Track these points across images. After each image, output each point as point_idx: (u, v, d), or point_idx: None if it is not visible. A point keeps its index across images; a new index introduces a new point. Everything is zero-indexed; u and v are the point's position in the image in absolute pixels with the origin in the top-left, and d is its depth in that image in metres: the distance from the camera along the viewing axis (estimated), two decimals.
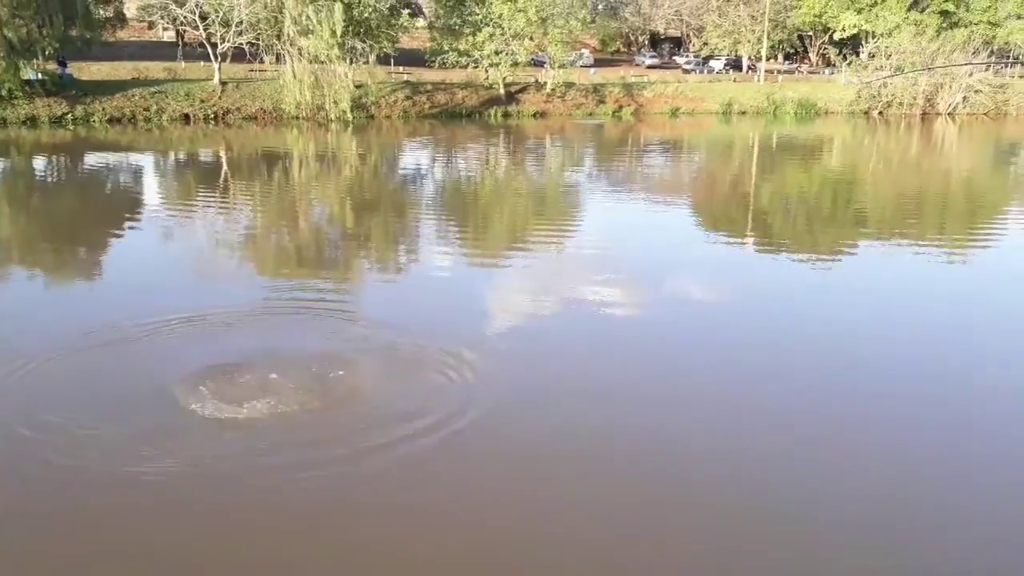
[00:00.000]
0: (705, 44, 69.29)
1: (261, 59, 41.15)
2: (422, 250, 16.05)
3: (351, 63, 41.89)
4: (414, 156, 32.63)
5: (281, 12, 39.56)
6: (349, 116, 40.59)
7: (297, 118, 39.92)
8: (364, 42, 42.67)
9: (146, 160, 29.34)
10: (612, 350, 9.94)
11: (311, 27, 39.16)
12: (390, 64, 49.27)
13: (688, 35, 76.04)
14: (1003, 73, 63.62)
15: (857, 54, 59.68)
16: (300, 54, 39.55)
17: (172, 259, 14.88)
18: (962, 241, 17.82)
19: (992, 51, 64.65)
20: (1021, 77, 68.03)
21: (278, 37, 40.18)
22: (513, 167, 29.43)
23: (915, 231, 18.53)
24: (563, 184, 26.07)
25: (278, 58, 40.53)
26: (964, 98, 53.89)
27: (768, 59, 63.78)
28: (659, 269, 14.37)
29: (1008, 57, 68.66)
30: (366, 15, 42.32)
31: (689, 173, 29.96)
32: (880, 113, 52.81)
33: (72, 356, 9.12)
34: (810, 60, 76.09)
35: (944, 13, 66.91)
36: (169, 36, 59.40)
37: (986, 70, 56.49)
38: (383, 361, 9.08)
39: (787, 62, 76.93)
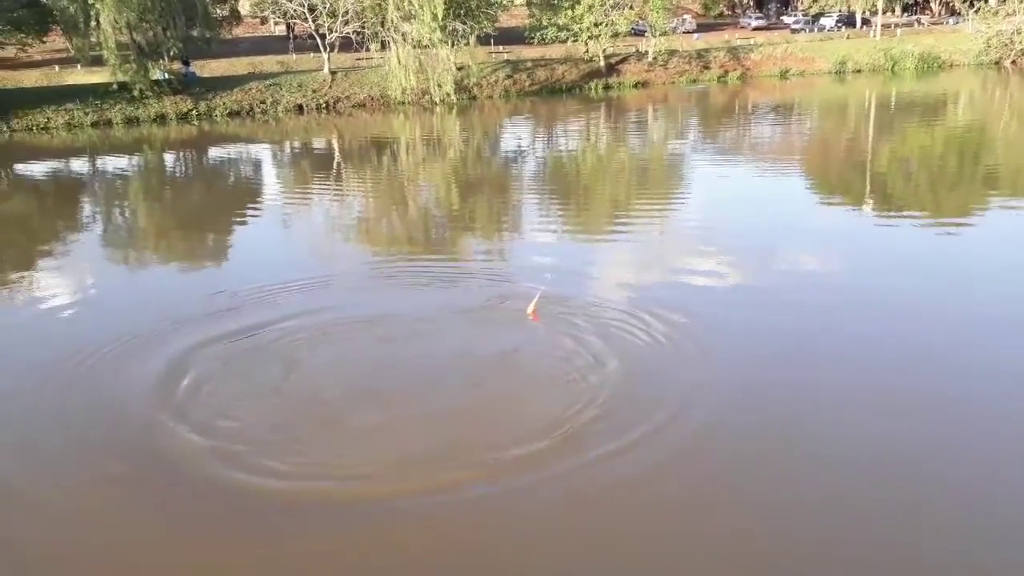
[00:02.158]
0: (815, 1, 65.99)
1: (367, 47, 42.29)
2: (535, 226, 16.32)
3: (452, 46, 42.42)
4: (516, 134, 32.90)
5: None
6: (453, 98, 41.21)
7: (403, 103, 40.90)
8: (464, 23, 43.08)
9: (265, 151, 30.96)
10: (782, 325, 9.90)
11: (413, 12, 39.88)
12: (490, 44, 49.53)
13: None
14: None
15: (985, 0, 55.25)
16: (404, 39, 40.39)
17: (298, 239, 15.81)
18: None
19: None
20: None
21: (382, 24, 41.16)
22: (615, 140, 29.22)
23: None
24: (669, 155, 25.70)
25: (383, 45, 41.54)
26: None
27: (884, 12, 59.99)
28: (787, 240, 14.04)
29: None
30: None
31: (806, 137, 28.83)
32: (1013, 62, 48.83)
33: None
34: (931, 10, 71.17)
35: None
36: (280, 30, 61.99)
37: None
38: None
39: (905, 14, 72.20)
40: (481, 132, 34.27)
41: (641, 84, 46.61)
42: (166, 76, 39.07)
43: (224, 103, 39.11)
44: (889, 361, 8.80)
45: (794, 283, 11.71)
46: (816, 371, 8.65)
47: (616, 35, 46.33)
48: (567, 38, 46.70)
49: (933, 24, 65.00)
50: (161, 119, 37.39)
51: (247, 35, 61.36)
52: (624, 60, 48.42)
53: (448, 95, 40.77)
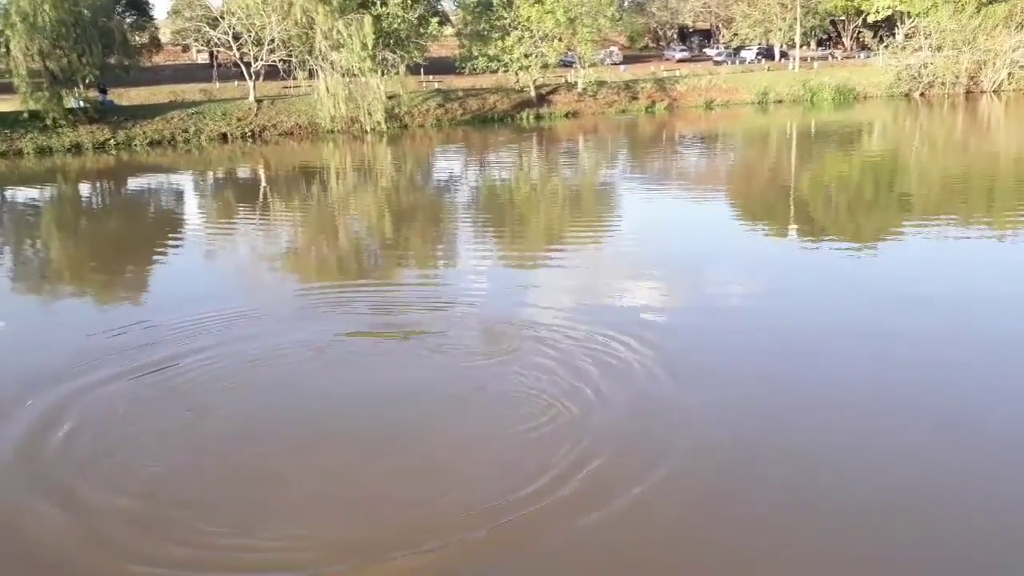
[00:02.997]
0: (735, 35, 68.44)
1: (294, 75, 41.69)
2: (462, 254, 16.06)
3: (383, 74, 42.21)
4: (449, 163, 32.76)
5: (312, 28, 40.05)
6: (384, 127, 40.91)
7: (332, 132, 40.34)
8: (395, 53, 42.97)
9: (187, 181, 29.95)
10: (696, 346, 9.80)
11: (342, 41, 39.59)
12: (420, 73, 49.55)
13: (717, 26, 75.18)
14: None
15: (893, 35, 58.29)
16: (332, 68, 39.99)
17: (217, 272, 15.13)
18: (1015, 222, 17.25)
19: None
20: None
21: (310, 52, 40.68)
22: (548, 169, 29.35)
23: (974, 213, 18.00)
24: (602, 183, 25.91)
25: (311, 73, 41.01)
26: (1010, 74, 52.27)
27: (800, 46, 62.67)
28: (717, 264, 14.16)
29: None
30: (395, 26, 42.65)
31: (732, 165, 29.53)
32: (922, 94, 51.52)
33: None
34: (844, 45, 74.61)
35: None
36: (203, 58, 60.66)
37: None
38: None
39: (820, 48, 75.54)
40: (413, 160, 34.01)
41: (572, 114, 47.24)
42: (81, 104, 37.59)
43: (144, 132, 37.80)
44: (818, 375, 8.84)
45: (728, 304, 11.75)
46: (756, 386, 8.59)
47: (546, 66, 46.95)
48: (498, 68, 47.09)
49: (846, 58, 68.14)
50: (76, 149, 35.84)
51: (169, 63, 59.80)
52: (555, 90, 49.06)
53: (379, 123, 40.45)
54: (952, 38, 52.02)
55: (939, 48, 52.23)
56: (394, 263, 15.69)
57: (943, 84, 51.67)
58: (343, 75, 40.00)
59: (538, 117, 46.37)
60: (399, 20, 42.35)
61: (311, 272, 15.13)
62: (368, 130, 40.26)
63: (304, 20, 39.84)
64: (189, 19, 44.21)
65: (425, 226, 19.54)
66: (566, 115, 47.04)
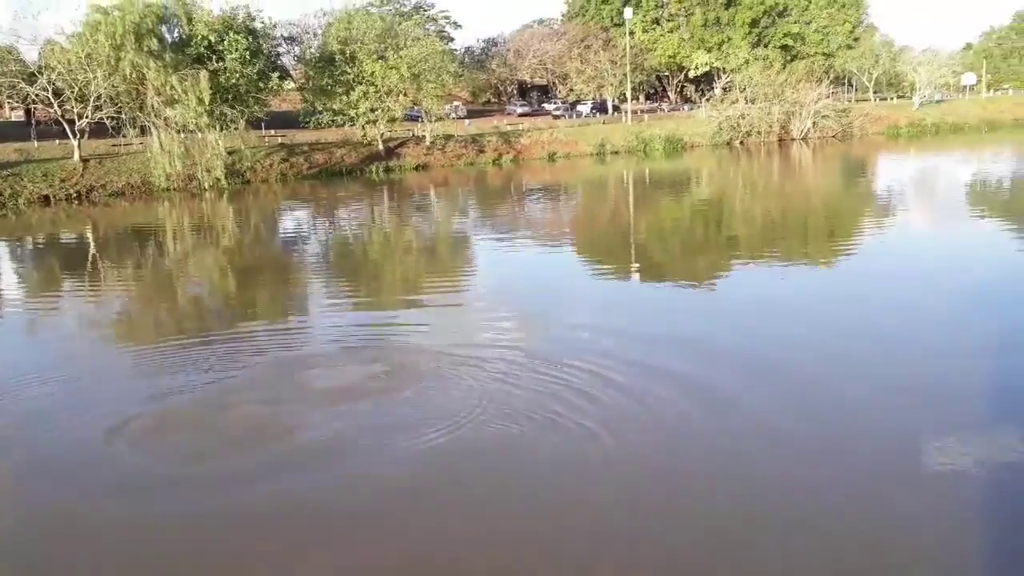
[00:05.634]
0: (571, 90, 72.23)
1: (124, 133, 39.57)
2: (314, 309, 15.64)
3: (222, 130, 40.96)
4: (296, 218, 32.01)
5: (143, 84, 38.32)
6: (224, 183, 39.52)
7: (168, 190, 38.47)
8: (234, 108, 41.87)
9: (1, 248, 27.41)
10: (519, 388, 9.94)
11: (177, 97, 38.12)
12: (263, 128, 48.50)
13: (554, 82, 78.97)
14: (843, 98, 69.43)
15: (713, 89, 63.65)
16: (167, 124, 38.36)
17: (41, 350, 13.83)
18: (827, 253, 19.08)
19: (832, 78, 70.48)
20: (859, 100, 74.52)
21: (141, 109, 38.85)
22: (399, 221, 29.38)
23: (793, 249, 19.73)
24: (453, 233, 26.21)
25: (143, 130, 39.12)
26: (814, 123, 58.29)
27: (631, 100, 66.98)
28: (564, 306, 14.59)
29: (846, 83, 74.98)
30: (233, 81, 41.65)
31: (576, 213, 30.79)
32: (741, 143, 56.28)
33: None
34: (670, 98, 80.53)
35: (784, 48, 72.78)
36: (18, 116, 56.16)
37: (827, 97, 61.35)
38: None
39: (649, 102, 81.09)
40: (258, 217, 32.96)
41: (421, 167, 47.75)
42: None
43: None
44: (657, 407, 9.27)
45: (576, 343, 12.12)
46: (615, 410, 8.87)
47: (393, 120, 47.40)
48: (344, 122, 46.96)
49: (672, 111, 73.55)
50: None
51: None
52: (403, 144, 49.50)
53: (219, 180, 39.10)
54: (763, 91, 57.54)
55: (753, 101, 57.55)
56: (235, 321, 15.00)
57: (759, 133, 56.86)
58: (179, 131, 38.49)
59: (388, 170, 46.51)
60: (237, 75, 41.44)
61: (138, 338, 14.16)
62: (207, 187, 38.77)
63: (134, 76, 38.09)
64: (1, 75, 40.95)
65: (270, 283, 18.90)
66: (416, 168, 47.48)
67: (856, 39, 78.24)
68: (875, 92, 79.97)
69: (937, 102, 72.74)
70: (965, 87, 79.41)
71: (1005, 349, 10.93)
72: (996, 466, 7.68)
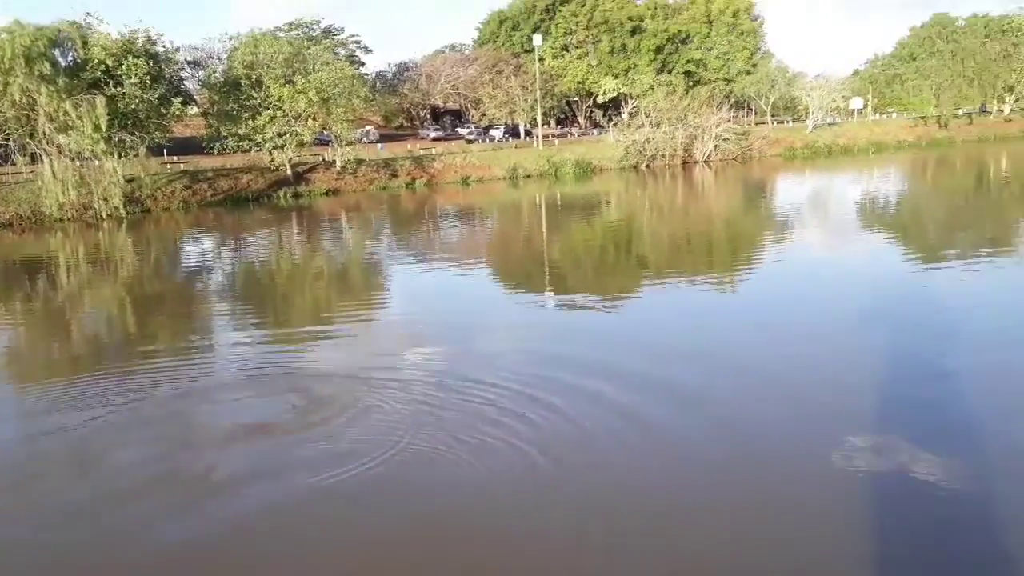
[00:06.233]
0: (484, 115, 72.98)
1: (12, 160, 37.50)
2: (219, 340, 15.08)
3: (120, 157, 39.36)
4: (201, 246, 30.94)
5: (33, 109, 36.45)
6: (122, 212, 37.89)
7: (62, 220, 36.59)
8: (133, 134, 40.32)
9: None
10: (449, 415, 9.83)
11: (71, 123, 36.42)
12: (164, 154, 46.88)
13: (466, 107, 79.56)
14: (743, 122, 72.64)
15: (620, 114, 65.43)
16: (60, 152, 36.57)
17: None
18: (732, 272, 19.79)
19: (732, 103, 73.67)
20: (758, 124, 78.08)
21: (31, 136, 36.92)
22: (309, 247, 28.80)
23: (699, 267, 20.35)
24: (367, 259, 25.87)
25: (33, 158, 37.16)
26: (715, 146, 60.58)
27: (543, 125, 68.12)
28: (484, 330, 14.56)
29: (745, 108, 78.49)
30: (132, 107, 40.15)
31: (491, 237, 30.91)
32: (647, 166, 57.92)
33: None
34: (579, 123, 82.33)
35: (687, 73, 75.66)
36: None
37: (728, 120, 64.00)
38: None
39: (559, 126, 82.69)
40: (159, 246, 31.68)
41: (332, 192, 47.06)
42: None
43: None
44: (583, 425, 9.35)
45: (496, 366, 12.11)
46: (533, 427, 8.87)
47: (302, 145, 46.65)
48: (250, 148, 45.89)
49: (581, 135, 75.15)
50: None
51: None
52: (312, 169, 48.72)
53: (117, 209, 37.49)
54: (668, 116, 59.51)
55: (658, 125, 59.42)
56: (133, 356, 14.30)
57: (664, 156, 58.67)
58: (73, 159, 36.73)
59: (297, 196, 45.64)
60: (137, 100, 39.98)
61: (23, 377, 13.33)
62: (104, 216, 37.10)
63: (24, 101, 36.20)
64: None
65: (172, 315, 18.15)
66: (326, 193, 46.77)
67: (754, 65, 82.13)
68: (772, 116, 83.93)
69: (829, 125, 76.90)
70: (854, 111, 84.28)
71: (895, 358, 11.55)
72: (890, 474, 8.07)
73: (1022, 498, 7.48)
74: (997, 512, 7.20)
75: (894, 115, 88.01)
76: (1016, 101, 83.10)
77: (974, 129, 77.75)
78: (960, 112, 79.95)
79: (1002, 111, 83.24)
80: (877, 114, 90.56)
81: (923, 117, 77.38)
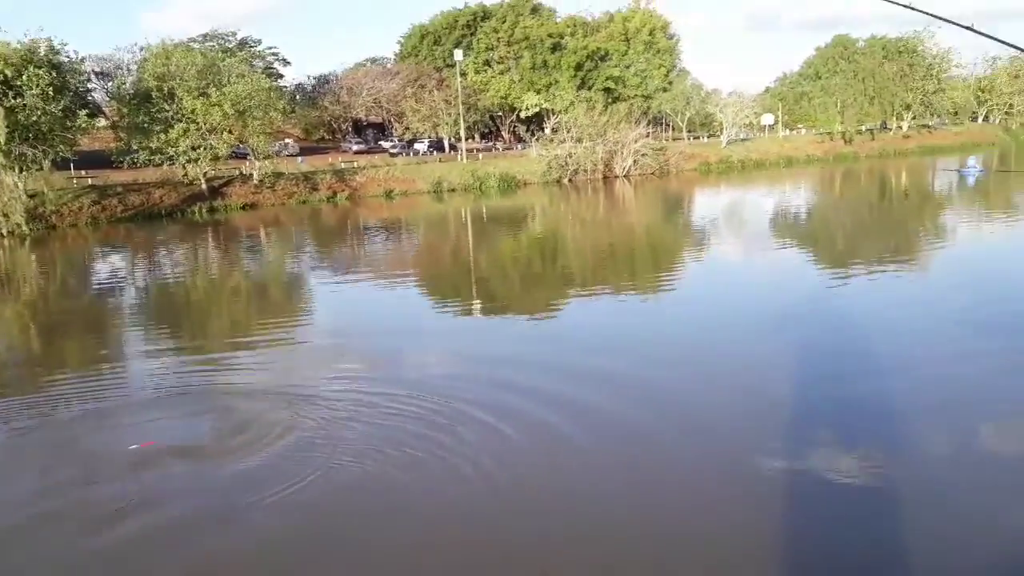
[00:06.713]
0: (407, 128, 72.56)
1: None
2: (130, 360, 14.40)
3: (22, 171, 37.41)
4: (110, 264, 29.58)
5: None
6: (25, 229, 35.97)
7: None
8: (36, 148, 38.37)
9: None
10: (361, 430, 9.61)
11: None
12: (71, 169, 44.76)
13: (390, 120, 78.96)
14: (660, 137, 74.49)
15: (543, 129, 66.12)
16: None
17: None
18: (653, 282, 20.18)
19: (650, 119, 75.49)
20: (675, 139, 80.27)
21: None
22: (225, 263, 27.93)
23: (621, 278, 20.66)
24: (287, 274, 25.24)
25: None
26: (634, 161, 61.85)
27: (467, 139, 68.24)
28: (411, 343, 14.35)
29: (663, 124, 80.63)
30: (35, 119, 38.18)
31: (417, 250, 30.65)
32: (570, 180, 58.68)
33: None
34: (503, 137, 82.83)
35: (607, 90, 77.14)
36: None
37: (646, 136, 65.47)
38: None
39: (484, 141, 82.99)
40: (65, 264, 30.15)
41: (250, 206, 45.87)
42: None
43: None
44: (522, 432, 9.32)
45: (423, 379, 11.97)
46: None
47: (217, 158, 45.33)
48: (162, 162, 44.30)
49: (506, 149, 75.56)
50: None
51: None
52: (228, 183, 47.39)
53: (18, 226, 35.60)
54: (588, 132, 60.43)
55: (579, 140, 60.28)
56: (36, 379, 13.51)
57: (585, 171, 59.53)
58: None
59: (212, 210, 44.29)
60: (39, 112, 38.03)
61: None
62: (5, 234, 35.14)
63: None
64: None
65: (80, 336, 17.26)
66: (243, 207, 45.57)
67: (671, 82, 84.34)
68: (688, 131, 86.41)
69: (742, 141, 79.68)
70: (765, 127, 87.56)
71: (807, 361, 11.98)
72: (802, 473, 8.33)
73: (927, 494, 7.83)
74: (902, 509, 7.52)
75: (803, 131, 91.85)
76: (913, 119, 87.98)
77: (876, 145, 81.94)
78: (863, 128, 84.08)
79: (901, 128, 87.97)
80: (787, 130, 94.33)
81: (829, 133, 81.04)
